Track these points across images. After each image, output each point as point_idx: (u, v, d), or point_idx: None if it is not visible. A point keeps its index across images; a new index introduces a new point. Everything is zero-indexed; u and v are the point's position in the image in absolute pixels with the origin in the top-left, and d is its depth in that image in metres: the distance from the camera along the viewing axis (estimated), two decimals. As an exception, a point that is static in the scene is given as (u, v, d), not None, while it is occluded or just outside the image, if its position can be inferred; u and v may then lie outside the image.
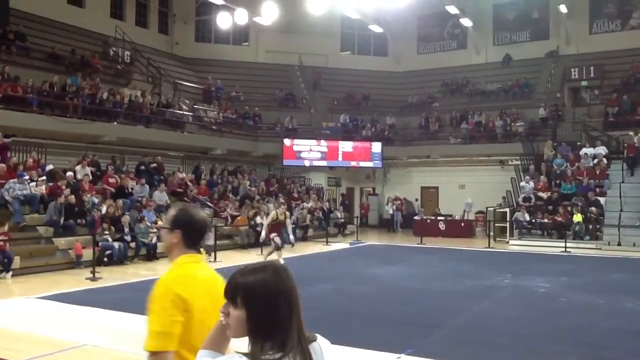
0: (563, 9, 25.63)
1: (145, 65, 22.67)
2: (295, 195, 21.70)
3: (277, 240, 12.39)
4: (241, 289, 1.57)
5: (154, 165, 18.16)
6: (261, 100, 25.87)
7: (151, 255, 13.80)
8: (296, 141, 23.31)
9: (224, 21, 25.25)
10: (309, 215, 20.08)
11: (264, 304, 1.55)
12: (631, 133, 19.70)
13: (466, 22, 27.14)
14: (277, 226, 12.47)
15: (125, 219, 13.53)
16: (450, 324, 7.56)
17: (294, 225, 15.42)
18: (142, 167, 17.68)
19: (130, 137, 18.17)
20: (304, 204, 20.77)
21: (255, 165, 23.62)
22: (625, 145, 19.77)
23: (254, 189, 20.01)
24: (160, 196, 16.20)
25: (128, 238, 13.31)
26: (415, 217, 21.88)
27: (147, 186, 16.32)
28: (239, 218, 17.32)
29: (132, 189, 15.78)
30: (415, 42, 30.08)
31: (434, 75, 28.12)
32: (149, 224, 14.11)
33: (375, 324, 7.50)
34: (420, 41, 30.10)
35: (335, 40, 29.32)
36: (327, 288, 10.10)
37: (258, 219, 16.93)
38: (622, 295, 9.52)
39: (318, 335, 1.66)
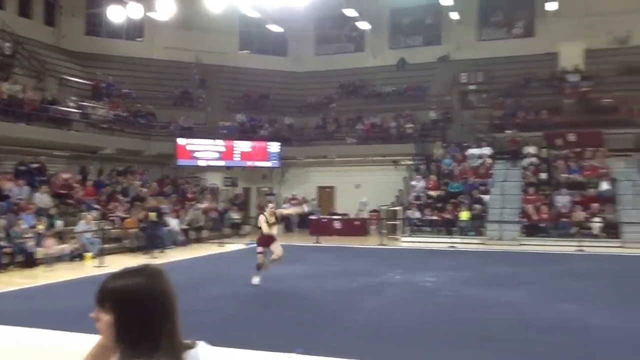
0: (454, 16, 26.84)
1: (27, 59, 21.20)
2: (190, 195, 21.15)
3: (260, 259, 10.16)
4: (110, 294, 1.49)
5: (36, 165, 17.00)
6: (155, 98, 24.99)
7: (29, 262, 12.87)
8: (191, 140, 22.71)
9: (116, 15, 24.13)
10: (203, 216, 19.63)
11: (133, 309, 1.47)
12: (509, 131, 21.29)
13: (363, 25, 27.72)
14: (266, 239, 10.32)
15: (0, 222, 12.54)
16: (342, 321, 7.61)
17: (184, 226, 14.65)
18: (23, 168, 16.50)
19: (10, 136, 16.87)
20: (198, 204, 20.29)
21: (147, 165, 22.75)
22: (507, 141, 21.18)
23: (145, 189, 19.27)
24: (42, 198, 15.18)
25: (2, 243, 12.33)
26: (311, 217, 22.01)
27: (26, 188, 15.24)
28: (128, 220, 16.58)
29: (9, 191, 14.68)
30: (314, 44, 30.32)
31: (332, 76, 28.46)
32: (26, 228, 13.16)
33: (269, 325, 7.39)
34: (319, 43, 30.39)
35: (234, 38, 28.95)
36: (221, 291, 9.87)
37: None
38: (503, 287, 10.02)
39: (200, 343, 1.58)
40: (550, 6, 25.07)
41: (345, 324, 7.45)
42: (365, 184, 23.38)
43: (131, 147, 21.92)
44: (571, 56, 25.50)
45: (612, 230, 17.31)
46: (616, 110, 22.47)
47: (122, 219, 16.72)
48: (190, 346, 1.57)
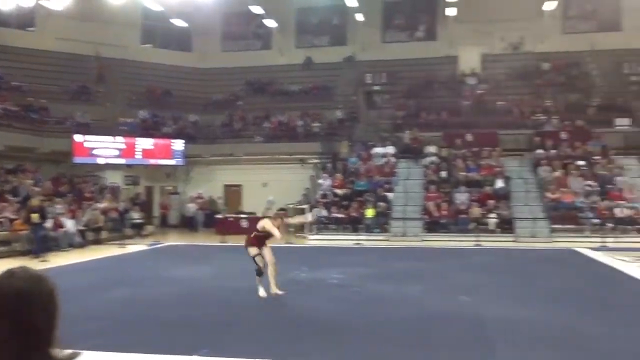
0: (359, 17, 27.33)
1: None
2: (88, 195, 20.09)
3: (260, 261, 9.00)
4: None
5: None
6: (49, 92, 23.53)
7: None
8: (89, 137, 21.60)
9: (5, 2, 22.48)
10: (102, 217, 18.71)
11: None
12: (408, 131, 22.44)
13: (270, 23, 27.59)
14: (261, 239, 9.18)
15: None
16: (247, 320, 7.47)
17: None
18: None
19: None
20: (97, 204, 19.31)
21: (41, 163, 21.36)
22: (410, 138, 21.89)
23: (38, 189, 18.07)
24: None
25: None
26: (218, 216, 21.59)
27: None
28: (18, 222, 15.46)
29: None
30: (220, 40, 29.81)
31: (238, 73, 28.10)
32: None
33: (172, 327, 7.11)
34: (225, 39, 29.92)
35: (136, 32, 27.87)
36: (121, 294, 9.37)
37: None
38: (406, 282, 10.23)
39: (82, 353, 1.40)
40: (450, 11, 26.12)
41: (250, 323, 7.31)
42: (272, 183, 23.23)
43: (22, 144, 20.49)
44: (469, 60, 26.73)
45: (506, 226, 18.25)
46: (510, 113, 23.79)
47: (11, 220, 15.57)
48: (69, 357, 1.39)
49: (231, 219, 21.43)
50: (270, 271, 9.03)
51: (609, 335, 6.49)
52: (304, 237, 19.24)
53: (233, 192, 24.79)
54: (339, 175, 20.94)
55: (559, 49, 26.78)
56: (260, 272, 8.96)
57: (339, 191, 20.35)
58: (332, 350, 6.10)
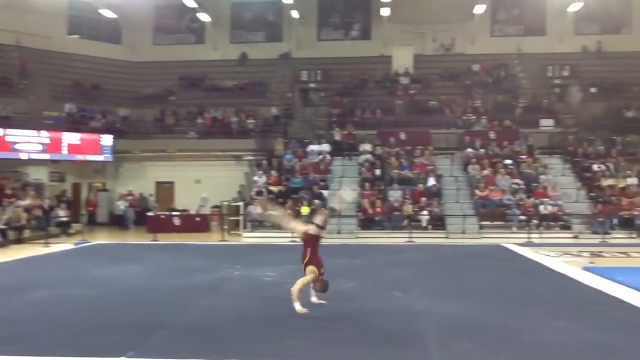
0: (295, 14, 27.26)
1: None
2: (9, 192, 19.05)
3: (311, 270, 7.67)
4: None
5: None
6: (-35, 83, 22.19)
7: None
8: (10, 131, 20.51)
9: None
10: (25, 215, 17.79)
11: None
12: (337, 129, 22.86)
13: (204, 17, 27.08)
14: (314, 241, 7.94)
15: None
16: (178, 320, 7.23)
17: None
18: None
19: None
20: (19, 201, 18.34)
21: (-44, 158, 20.10)
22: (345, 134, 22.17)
23: (-48, 184, 16.99)
24: None
25: None
26: (149, 213, 21.00)
27: None
28: None
29: None
30: (152, 33, 29.04)
31: (171, 67, 27.43)
32: None
33: (99, 328, 6.79)
34: (157, 32, 29.16)
35: (62, 22, 26.66)
36: (46, 295, 8.90)
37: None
38: (339, 278, 10.14)
39: None
40: (385, 12, 26.45)
41: (180, 323, 7.09)
42: (206, 180, 22.84)
43: None
44: (403, 60, 27.18)
45: (438, 223, 18.67)
46: (441, 112, 24.35)
47: None
48: None
49: (163, 216, 20.90)
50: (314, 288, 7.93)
51: (534, 327, 6.69)
52: (239, 235, 19.01)
53: (165, 189, 24.17)
54: (274, 173, 20.80)
55: (488, 51, 27.64)
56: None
57: (274, 188, 20.21)
58: (267, 349, 5.99)
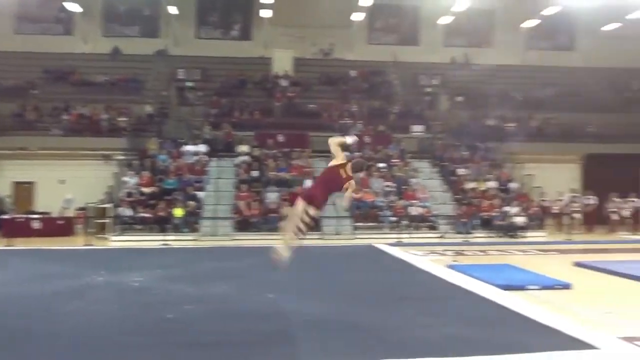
0: (173, 10, 26.41)
1: None
2: None
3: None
4: None
5: None
6: None
7: None
8: None
9: None
10: None
11: None
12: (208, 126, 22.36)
13: (73, 7, 25.45)
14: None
15: None
16: (32, 329, 6.57)
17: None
18: None
19: None
20: None
21: None
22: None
23: None
24: None
25: None
26: (4, 216, 19.26)
27: None
28: None
29: None
30: (13, 21, 26.82)
31: (34, 59, 25.50)
32: None
33: None
34: (20, 20, 27.08)
35: None
36: None
37: None
38: (213, 282, 9.92)
39: None
40: (265, 13, 26.38)
41: (35, 332, 6.46)
42: (71, 180, 21.33)
43: None
44: (283, 62, 27.23)
45: (313, 224, 18.79)
46: (319, 116, 24.69)
47: None
48: None
49: (20, 219, 19.26)
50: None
51: (401, 324, 6.86)
52: (106, 239, 17.98)
53: (24, 190, 22.25)
54: (146, 173, 19.92)
55: (365, 58, 28.49)
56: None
57: (146, 189, 19.35)
58: (121, 357, 5.59)
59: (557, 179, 22.89)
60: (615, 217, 21.10)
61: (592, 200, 21.46)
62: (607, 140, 25.06)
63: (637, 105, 28.31)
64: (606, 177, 22.92)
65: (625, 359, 5.37)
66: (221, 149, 22.01)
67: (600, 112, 26.82)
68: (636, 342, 6.13)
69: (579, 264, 12.13)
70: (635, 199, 21.50)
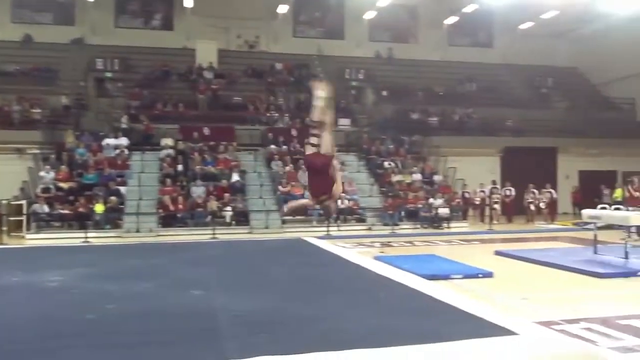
0: (89, -3, 25.35)
1: None
2: None
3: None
4: None
5: None
6: None
7: None
8: None
9: None
10: None
11: None
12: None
13: (-21, -8, 23.90)
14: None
15: None
16: None
17: None
18: None
19: None
20: None
21: None
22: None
23: None
24: None
25: None
26: None
27: None
28: None
29: None
30: None
31: None
32: None
33: None
34: None
35: None
36: None
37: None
38: (133, 280, 9.56)
39: None
40: (188, 3, 25.75)
41: None
42: (-20, 175, 20.06)
43: None
44: (207, 54, 26.70)
45: (242, 218, 18.64)
46: (245, 109, 24.42)
47: None
48: None
49: None
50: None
51: (327, 316, 6.85)
52: (21, 237, 17.05)
53: None
54: (63, 168, 19.02)
55: (291, 51, 28.43)
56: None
57: (63, 185, 18.49)
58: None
59: (478, 171, 23.75)
60: (532, 207, 22.10)
61: (511, 191, 22.41)
62: (524, 134, 26.29)
63: (552, 101, 29.89)
64: (524, 169, 24.08)
65: (542, 343, 5.59)
66: (142, 142, 21.32)
67: (518, 107, 28.07)
68: (552, 326, 6.42)
69: (499, 253, 12.64)
70: (550, 190, 22.63)
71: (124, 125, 21.40)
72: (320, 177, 6.33)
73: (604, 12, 27.03)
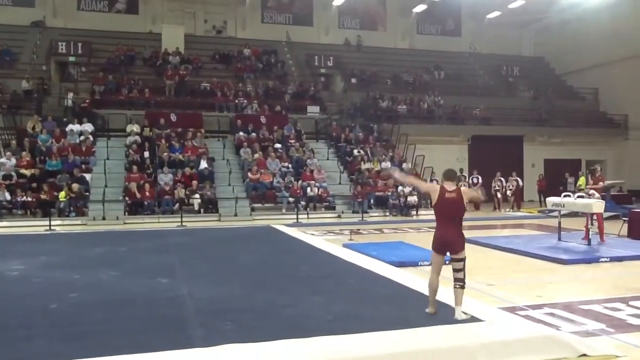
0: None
1: None
2: None
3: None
4: None
5: None
6: None
7: None
8: None
9: None
10: None
11: None
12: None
13: None
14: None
15: None
16: None
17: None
18: None
19: None
20: None
21: None
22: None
23: None
24: None
25: None
26: None
27: None
28: None
29: None
30: None
31: None
32: None
33: None
34: None
35: None
36: None
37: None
38: (98, 268, 9.41)
39: None
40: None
41: None
42: (-63, 162, 19.39)
43: None
44: (173, 39, 26.21)
45: (210, 206, 18.45)
46: (213, 95, 24.10)
47: None
48: None
49: None
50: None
51: (294, 302, 6.86)
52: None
53: None
54: (25, 154, 18.51)
55: (259, 36, 28.18)
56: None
57: (25, 172, 18.00)
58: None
59: (446, 159, 23.84)
60: (499, 195, 22.40)
61: (478, 179, 22.67)
62: (491, 122, 26.62)
63: (518, 90, 30.31)
64: (491, 157, 24.40)
65: (507, 329, 5.67)
66: (109, 128, 20.88)
67: (485, 96, 28.39)
68: (517, 312, 6.52)
69: (466, 240, 12.76)
70: (516, 178, 22.98)
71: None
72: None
73: (570, 3, 27.50)
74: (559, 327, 5.94)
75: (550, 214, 16.43)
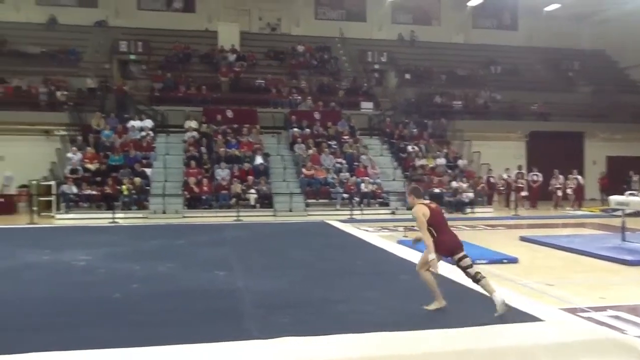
0: (112, -20, 25.41)
1: None
2: None
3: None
4: None
5: None
6: None
7: None
8: None
9: None
10: None
11: None
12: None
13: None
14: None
15: None
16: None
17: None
18: None
19: None
20: None
21: None
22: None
23: None
24: None
25: None
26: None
27: None
28: None
29: None
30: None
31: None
32: None
33: None
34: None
35: None
36: None
37: None
38: (158, 260, 9.71)
39: None
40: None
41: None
42: (9, 157, 20.33)
43: None
44: (229, 36, 26.62)
45: (265, 201, 18.72)
46: (267, 91, 24.38)
47: None
48: None
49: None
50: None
51: (348, 298, 6.89)
52: (51, 217, 17.37)
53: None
54: (90, 149, 19.26)
55: (312, 33, 28.27)
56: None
57: (90, 166, 18.73)
58: (56, 339, 5.30)
59: (503, 155, 23.42)
60: (558, 192, 21.76)
61: (538, 176, 22.08)
62: (550, 118, 25.86)
63: (578, 85, 29.31)
64: (550, 154, 23.69)
65: (569, 330, 5.54)
66: (168, 124, 21.41)
67: (543, 90, 27.59)
68: (579, 314, 6.35)
69: (524, 239, 12.49)
70: (577, 176, 22.26)
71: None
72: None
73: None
74: (625, 330, 5.75)
75: (614, 213, 15.86)
